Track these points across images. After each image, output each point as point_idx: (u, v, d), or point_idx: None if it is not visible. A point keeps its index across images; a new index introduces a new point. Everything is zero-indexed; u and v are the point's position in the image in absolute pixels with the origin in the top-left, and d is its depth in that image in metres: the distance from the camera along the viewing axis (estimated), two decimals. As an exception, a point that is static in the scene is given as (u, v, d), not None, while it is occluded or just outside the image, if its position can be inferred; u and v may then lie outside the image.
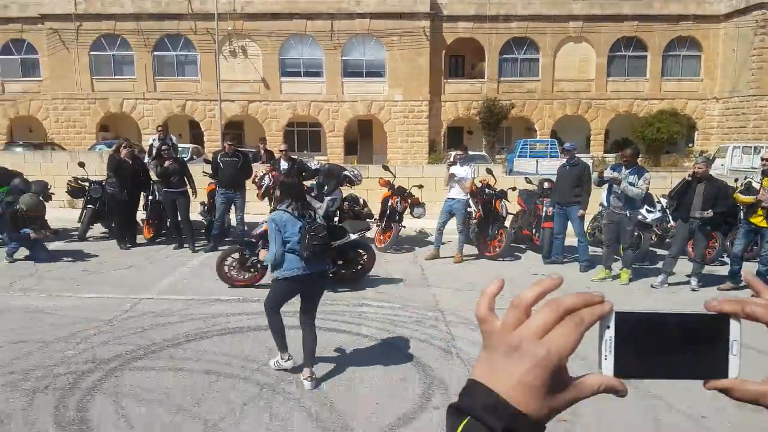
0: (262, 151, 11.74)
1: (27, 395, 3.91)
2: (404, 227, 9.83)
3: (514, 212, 10.10)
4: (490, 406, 0.49)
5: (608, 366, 0.50)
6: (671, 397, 4.08)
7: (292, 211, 4.22)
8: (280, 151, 9.67)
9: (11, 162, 11.09)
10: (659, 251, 9.52)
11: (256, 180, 8.84)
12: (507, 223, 9.46)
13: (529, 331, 0.50)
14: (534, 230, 9.66)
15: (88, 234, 9.74)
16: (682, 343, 0.50)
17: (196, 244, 9.07)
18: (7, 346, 4.85)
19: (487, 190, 9.20)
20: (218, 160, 8.96)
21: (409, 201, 9.72)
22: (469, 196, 8.84)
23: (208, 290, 6.83)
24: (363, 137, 30.65)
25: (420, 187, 10.02)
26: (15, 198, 7.96)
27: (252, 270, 7.03)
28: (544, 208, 9.08)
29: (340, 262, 7.19)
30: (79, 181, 9.57)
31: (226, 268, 6.94)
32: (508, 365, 0.50)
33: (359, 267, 7.41)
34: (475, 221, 9.23)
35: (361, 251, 7.36)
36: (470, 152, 10.26)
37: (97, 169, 10.40)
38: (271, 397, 4.11)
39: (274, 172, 8.88)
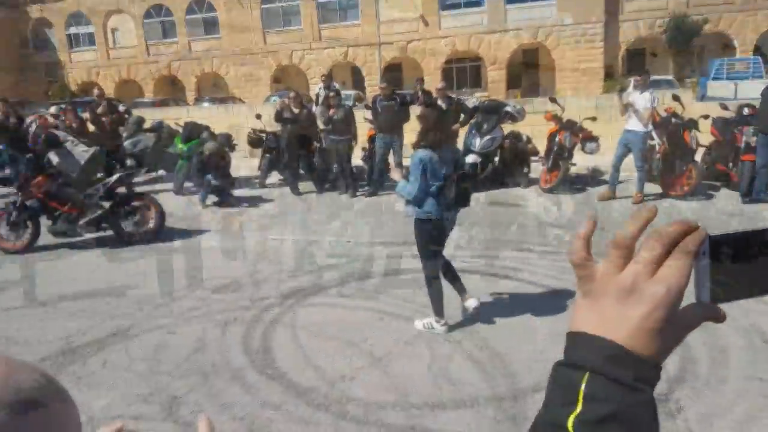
0: (420, 92, 11.61)
1: (220, 326, 4.43)
2: (574, 165, 9.13)
3: (707, 144, 8.79)
4: (613, 357, 0.46)
5: (706, 294, 0.48)
6: None
7: (440, 152, 4.01)
8: (437, 89, 9.46)
9: (200, 116, 12.43)
10: None
11: (25, 126, 8.54)
12: (697, 157, 8.29)
13: (641, 270, 0.47)
14: (731, 164, 8.34)
15: (267, 181, 10.64)
16: None
17: (358, 190, 9.40)
18: (203, 282, 5.53)
19: (673, 119, 8.12)
20: (376, 105, 9.06)
21: (580, 135, 8.97)
22: (650, 128, 7.87)
23: (369, 233, 7.08)
24: (527, 69, 28.92)
25: (593, 119, 9.15)
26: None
27: (22, 229, 6.31)
28: (744, 138, 7.76)
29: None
30: (257, 132, 10.40)
31: None
32: (623, 310, 0.47)
33: (138, 224, 6.58)
34: (658, 156, 8.24)
35: (137, 203, 6.55)
36: (653, 77, 9.08)
37: (272, 120, 11.20)
38: (432, 338, 4.15)
39: (40, 119, 8.54)
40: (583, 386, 0.46)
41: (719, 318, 0.49)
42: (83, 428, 0.56)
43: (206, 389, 3.42)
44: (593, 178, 9.80)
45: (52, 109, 10.88)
